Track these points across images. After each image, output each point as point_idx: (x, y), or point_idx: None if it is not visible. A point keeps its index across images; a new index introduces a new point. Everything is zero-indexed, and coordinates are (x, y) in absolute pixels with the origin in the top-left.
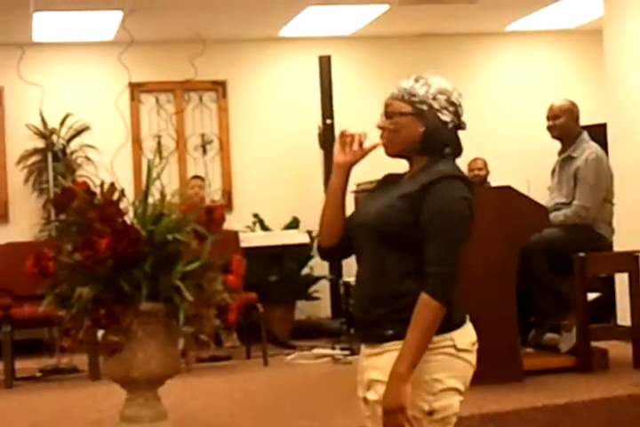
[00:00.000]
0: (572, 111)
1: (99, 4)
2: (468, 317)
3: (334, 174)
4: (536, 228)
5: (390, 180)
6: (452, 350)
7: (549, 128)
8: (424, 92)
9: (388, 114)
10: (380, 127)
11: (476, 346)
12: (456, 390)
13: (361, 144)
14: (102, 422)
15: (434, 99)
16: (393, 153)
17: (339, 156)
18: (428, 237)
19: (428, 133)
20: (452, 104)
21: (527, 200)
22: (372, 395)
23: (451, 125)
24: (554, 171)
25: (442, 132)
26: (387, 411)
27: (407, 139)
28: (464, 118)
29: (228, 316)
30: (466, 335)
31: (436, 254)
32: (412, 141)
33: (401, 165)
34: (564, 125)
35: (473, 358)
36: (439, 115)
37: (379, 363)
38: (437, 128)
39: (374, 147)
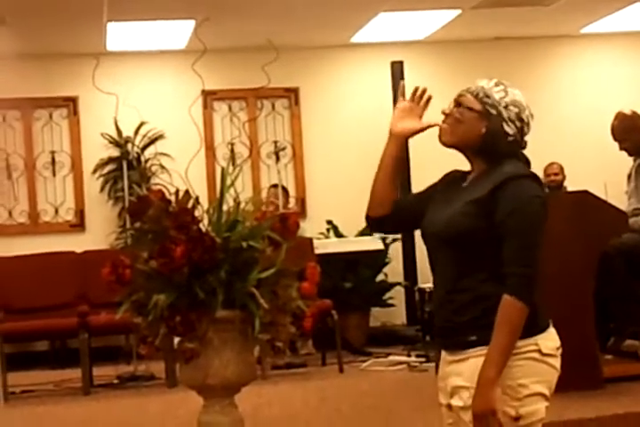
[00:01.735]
0: (635, 127)
1: (171, 13)
2: (551, 321)
3: (388, 142)
4: (614, 233)
5: (455, 178)
6: (536, 355)
7: (621, 149)
8: (499, 97)
9: (458, 103)
10: (444, 113)
11: (560, 351)
12: (542, 395)
13: (420, 117)
14: None
15: (505, 107)
16: (447, 141)
17: (395, 123)
18: (504, 238)
19: (487, 137)
20: (520, 120)
21: (605, 205)
22: (457, 401)
23: (511, 139)
24: (630, 175)
25: (501, 141)
26: (477, 415)
27: (466, 133)
28: (527, 138)
29: (304, 323)
30: (550, 340)
31: (515, 254)
32: (470, 138)
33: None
34: (634, 145)
35: (557, 362)
36: (504, 124)
37: (462, 369)
38: (498, 136)
39: (432, 125)
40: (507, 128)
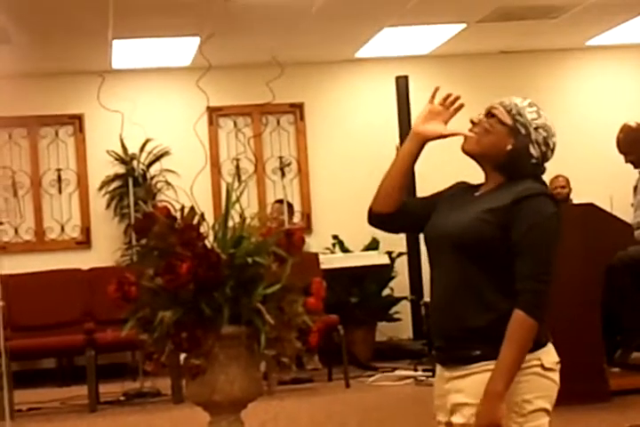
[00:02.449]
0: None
1: (176, 30)
2: (550, 336)
3: (408, 140)
4: (621, 245)
5: (463, 188)
6: (539, 370)
7: (627, 162)
8: (531, 118)
9: (489, 114)
10: (472, 121)
11: (559, 365)
12: (545, 410)
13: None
14: None
15: (535, 129)
16: (470, 150)
17: (419, 123)
18: (521, 253)
19: (512, 154)
20: (546, 144)
21: (610, 217)
22: (458, 418)
23: (534, 161)
24: (636, 188)
25: (524, 162)
26: None
27: (492, 146)
28: (547, 165)
29: (310, 338)
30: (551, 355)
31: (530, 270)
32: (494, 152)
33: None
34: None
35: (557, 377)
36: (530, 146)
37: (463, 385)
38: (523, 156)
39: (457, 134)
40: (532, 150)
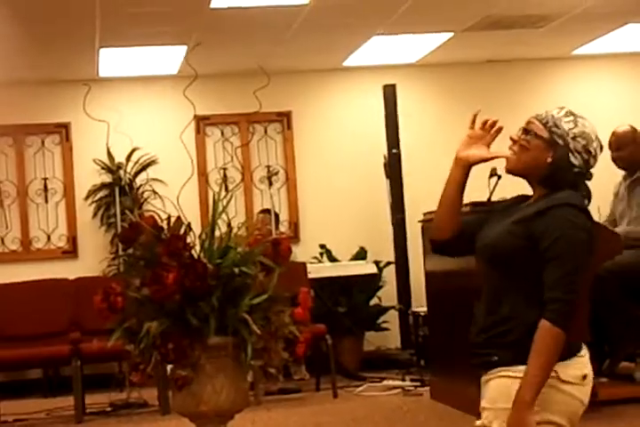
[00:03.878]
0: (634, 140)
1: (163, 39)
2: (584, 348)
3: (453, 167)
4: (609, 255)
5: (517, 201)
6: (554, 382)
7: (614, 160)
8: (568, 128)
9: (526, 130)
10: (512, 139)
11: (586, 380)
12: (553, 423)
13: (488, 145)
14: None
15: (573, 138)
16: (513, 169)
17: (462, 149)
18: (548, 263)
19: (552, 166)
20: (587, 152)
21: (599, 227)
22: (480, 421)
23: (576, 170)
24: (617, 194)
25: (567, 172)
26: None
27: (532, 161)
28: (594, 170)
29: (297, 348)
30: (572, 368)
31: (557, 280)
32: (536, 166)
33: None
34: (629, 156)
35: (579, 391)
36: (570, 155)
37: (486, 390)
38: (563, 166)
39: (499, 156)
40: (573, 159)
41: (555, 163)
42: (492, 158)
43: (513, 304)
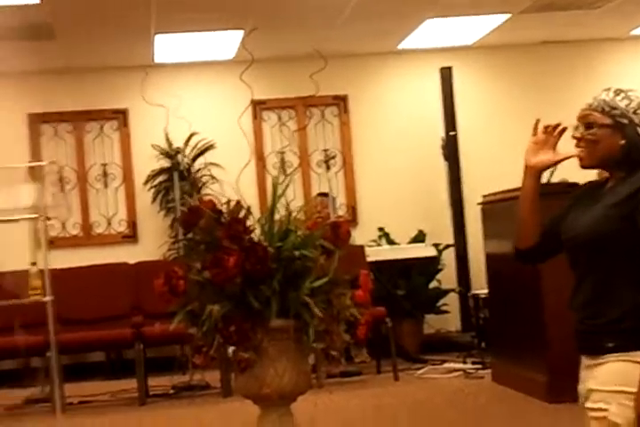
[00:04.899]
0: None
1: (219, 24)
2: None
3: (525, 176)
4: None
5: (593, 188)
6: None
7: None
8: (624, 105)
9: (587, 125)
10: (576, 138)
11: None
12: None
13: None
14: None
15: (634, 113)
16: (589, 165)
17: (530, 157)
18: None
19: (628, 147)
20: None
21: None
22: (589, 404)
23: None
24: None
25: None
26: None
27: (606, 151)
28: None
29: (358, 331)
30: None
31: None
32: (611, 154)
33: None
34: None
35: None
36: (639, 129)
37: (597, 373)
38: (637, 142)
39: (569, 157)
40: None
41: (628, 143)
42: (562, 160)
43: (620, 289)
